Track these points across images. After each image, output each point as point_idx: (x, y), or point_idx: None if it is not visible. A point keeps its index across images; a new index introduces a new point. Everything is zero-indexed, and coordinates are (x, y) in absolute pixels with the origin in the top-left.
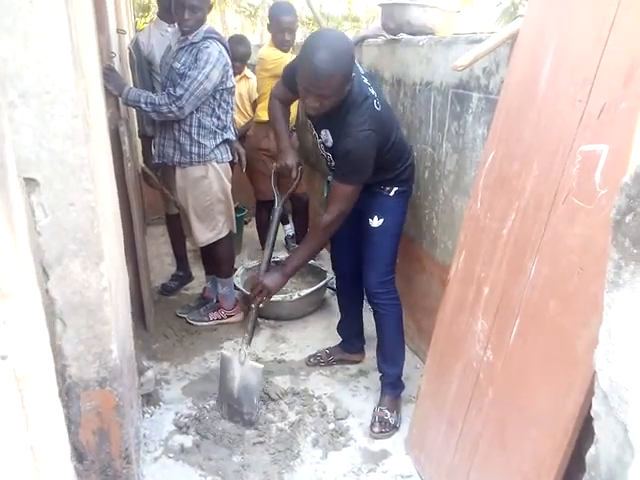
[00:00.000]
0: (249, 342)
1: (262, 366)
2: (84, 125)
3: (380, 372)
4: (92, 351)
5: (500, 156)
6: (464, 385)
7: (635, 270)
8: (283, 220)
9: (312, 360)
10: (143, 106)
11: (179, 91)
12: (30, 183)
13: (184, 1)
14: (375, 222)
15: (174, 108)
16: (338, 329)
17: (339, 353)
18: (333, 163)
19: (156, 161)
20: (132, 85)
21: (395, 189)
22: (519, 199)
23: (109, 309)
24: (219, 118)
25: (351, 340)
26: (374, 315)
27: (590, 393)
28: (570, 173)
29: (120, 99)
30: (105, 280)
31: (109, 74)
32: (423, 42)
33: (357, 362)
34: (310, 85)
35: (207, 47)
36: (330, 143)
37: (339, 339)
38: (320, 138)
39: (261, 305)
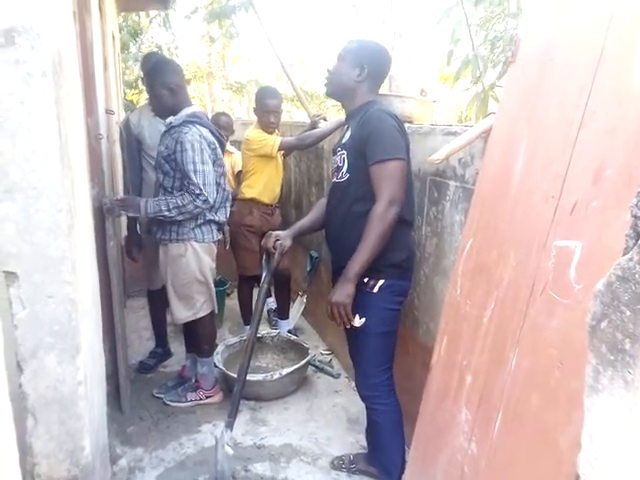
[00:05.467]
0: (231, 426)
1: (231, 452)
2: (68, 217)
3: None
4: (63, 448)
5: (478, 244)
6: (449, 479)
7: (613, 376)
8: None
9: (336, 462)
10: (167, 213)
11: (196, 189)
12: (10, 276)
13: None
14: (356, 321)
15: (199, 203)
16: (366, 436)
17: (363, 463)
18: (344, 169)
19: (143, 236)
20: (121, 164)
21: (380, 283)
22: (498, 288)
23: (83, 404)
24: None
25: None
26: (367, 416)
27: None
28: (546, 266)
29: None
30: (81, 374)
31: (122, 203)
32: None
33: None
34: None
35: (186, 133)
36: (346, 138)
37: (322, 422)
38: (338, 151)
39: (355, 324)
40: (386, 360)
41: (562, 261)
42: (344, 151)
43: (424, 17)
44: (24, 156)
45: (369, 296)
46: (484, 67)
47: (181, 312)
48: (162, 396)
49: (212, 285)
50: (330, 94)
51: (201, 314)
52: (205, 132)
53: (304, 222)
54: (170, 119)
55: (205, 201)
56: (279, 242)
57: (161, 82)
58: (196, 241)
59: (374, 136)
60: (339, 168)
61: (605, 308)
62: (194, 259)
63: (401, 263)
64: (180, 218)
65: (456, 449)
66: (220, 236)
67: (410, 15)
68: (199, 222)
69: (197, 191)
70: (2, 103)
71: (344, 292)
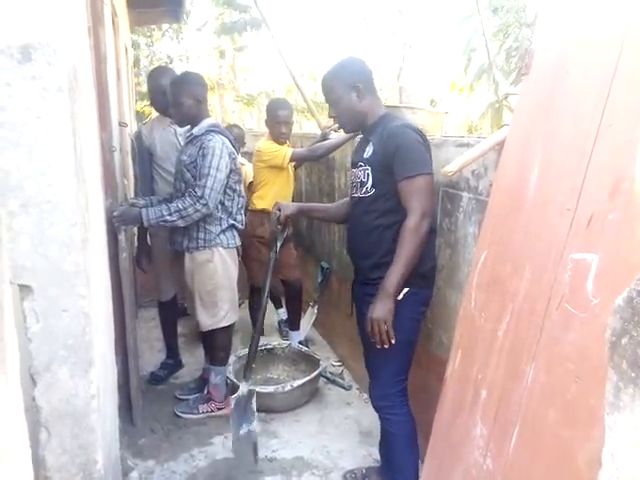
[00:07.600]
0: (248, 378)
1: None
2: (82, 231)
3: None
4: (76, 461)
5: (492, 257)
6: None
7: (634, 393)
8: (276, 304)
9: (348, 476)
10: (169, 218)
11: (199, 191)
12: (24, 289)
13: (169, 98)
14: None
15: (199, 206)
16: (380, 449)
17: (376, 477)
18: (369, 184)
19: (168, 248)
20: (133, 175)
21: (405, 290)
22: (513, 301)
23: (96, 417)
24: (223, 204)
25: None
26: (380, 429)
27: None
28: (562, 279)
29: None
30: (94, 387)
31: (120, 218)
32: None
33: None
34: None
35: (210, 140)
36: (369, 153)
37: (334, 434)
38: (357, 165)
39: (392, 341)
40: (403, 370)
41: (579, 274)
42: (368, 166)
43: (434, 28)
44: (40, 170)
45: None
46: (501, 77)
47: (205, 319)
48: (185, 397)
49: (236, 292)
50: (352, 130)
51: (223, 324)
52: (227, 142)
53: (318, 206)
54: (188, 128)
55: (205, 205)
56: (283, 214)
57: (188, 92)
58: (222, 247)
59: (401, 152)
60: (363, 183)
61: (625, 324)
62: (221, 265)
63: (426, 273)
64: (181, 223)
65: (471, 464)
66: (239, 242)
67: (420, 26)
68: (224, 227)
69: (199, 193)
70: (19, 118)
71: (385, 308)
